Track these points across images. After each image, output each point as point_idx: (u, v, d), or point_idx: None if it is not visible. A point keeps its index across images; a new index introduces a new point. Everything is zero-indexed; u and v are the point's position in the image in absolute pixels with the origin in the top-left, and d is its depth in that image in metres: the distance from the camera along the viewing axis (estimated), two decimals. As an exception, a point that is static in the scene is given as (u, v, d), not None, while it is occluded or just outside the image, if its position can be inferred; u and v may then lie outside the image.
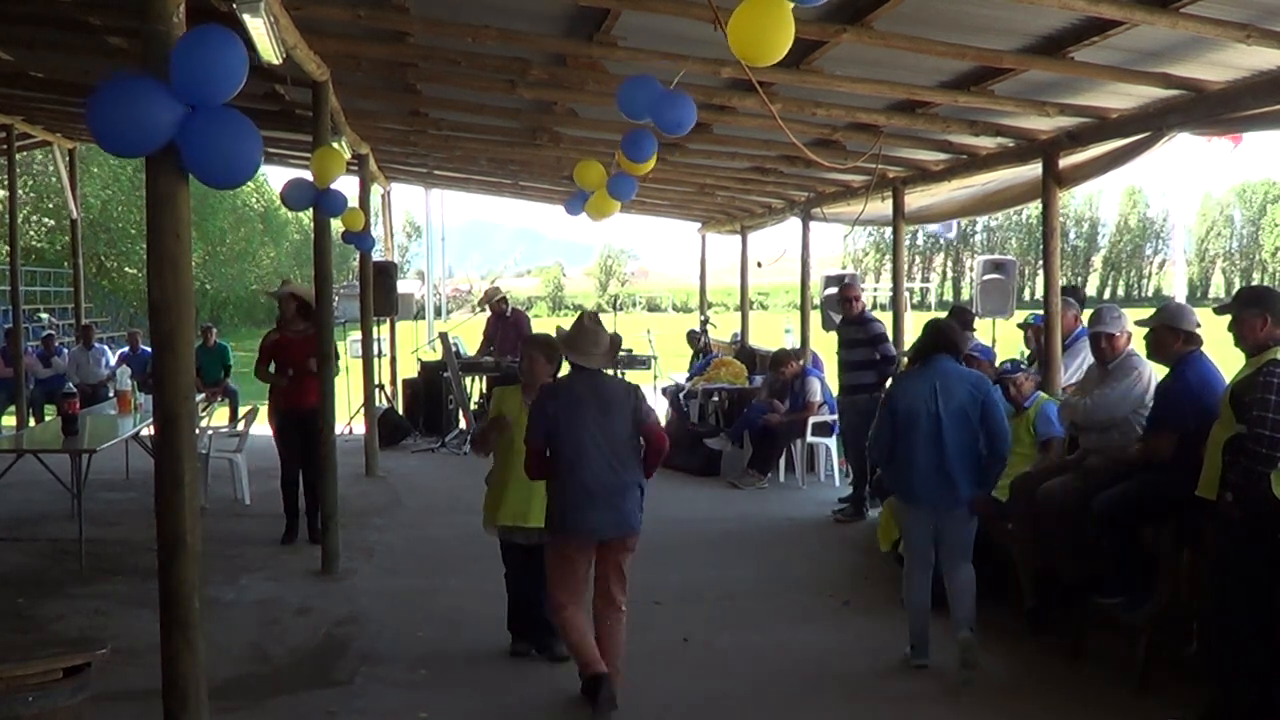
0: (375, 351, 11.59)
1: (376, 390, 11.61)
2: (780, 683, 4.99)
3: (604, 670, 4.50)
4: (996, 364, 6.81)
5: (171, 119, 3.02)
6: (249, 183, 42.06)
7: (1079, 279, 69.07)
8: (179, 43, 3.04)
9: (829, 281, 12.09)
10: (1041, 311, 7.31)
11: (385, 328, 13.76)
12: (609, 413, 4.58)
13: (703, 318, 14.93)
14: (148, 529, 4.06)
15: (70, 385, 8.95)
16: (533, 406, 4.70)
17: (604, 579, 4.71)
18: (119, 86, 3.04)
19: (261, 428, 9.43)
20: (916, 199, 9.39)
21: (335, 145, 8.05)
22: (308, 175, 6.99)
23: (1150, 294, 73.30)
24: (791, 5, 3.25)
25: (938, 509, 5.03)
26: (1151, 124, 6.02)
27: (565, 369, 4.97)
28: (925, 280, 71.72)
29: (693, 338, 13.91)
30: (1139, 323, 5.21)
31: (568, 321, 5.39)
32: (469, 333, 14.01)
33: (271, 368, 7.67)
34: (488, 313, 13.02)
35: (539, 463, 4.64)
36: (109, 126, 3.04)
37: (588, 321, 4.85)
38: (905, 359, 7.90)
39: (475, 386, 12.95)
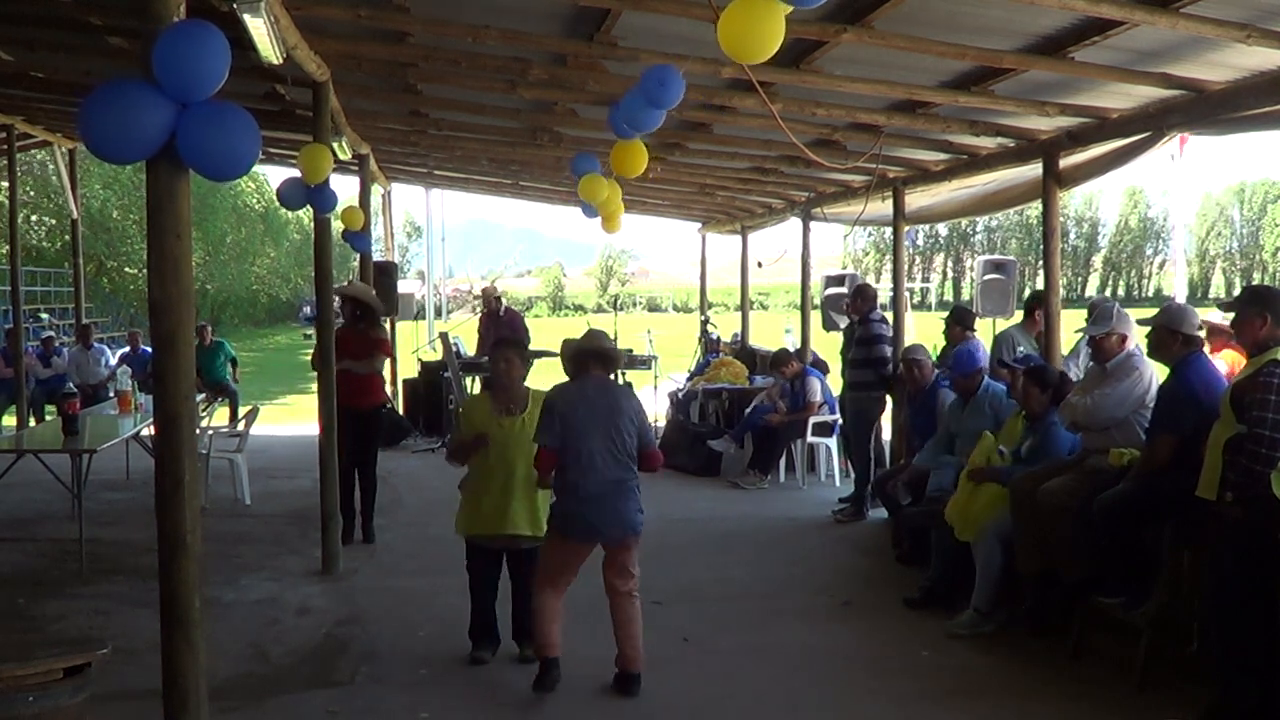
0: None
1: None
2: (780, 683, 4.99)
3: (554, 655, 4.71)
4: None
5: (165, 119, 2.97)
6: (250, 183, 42.31)
7: (1080, 279, 69.00)
8: (158, 41, 2.97)
9: (829, 282, 12.10)
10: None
11: (385, 328, 13.73)
12: (616, 416, 4.71)
13: (703, 318, 14.91)
14: (148, 529, 4.05)
15: (70, 385, 8.96)
16: (543, 410, 4.77)
17: (608, 570, 4.86)
18: (108, 93, 2.98)
19: (270, 427, 9.43)
20: (916, 199, 9.38)
21: (336, 145, 8.06)
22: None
23: (1151, 294, 73.17)
24: (788, 9, 3.23)
25: None
26: (1151, 124, 6.02)
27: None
28: (925, 280, 71.67)
29: (708, 342, 13.85)
30: (1141, 322, 5.21)
31: (568, 321, 5.46)
32: (469, 333, 14.01)
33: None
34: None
35: (550, 465, 4.72)
36: (103, 133, 3.00)
37: (592, 330, 5.10)
38: (902, 363, 7.95)
39: (475, 387, 12.94)
